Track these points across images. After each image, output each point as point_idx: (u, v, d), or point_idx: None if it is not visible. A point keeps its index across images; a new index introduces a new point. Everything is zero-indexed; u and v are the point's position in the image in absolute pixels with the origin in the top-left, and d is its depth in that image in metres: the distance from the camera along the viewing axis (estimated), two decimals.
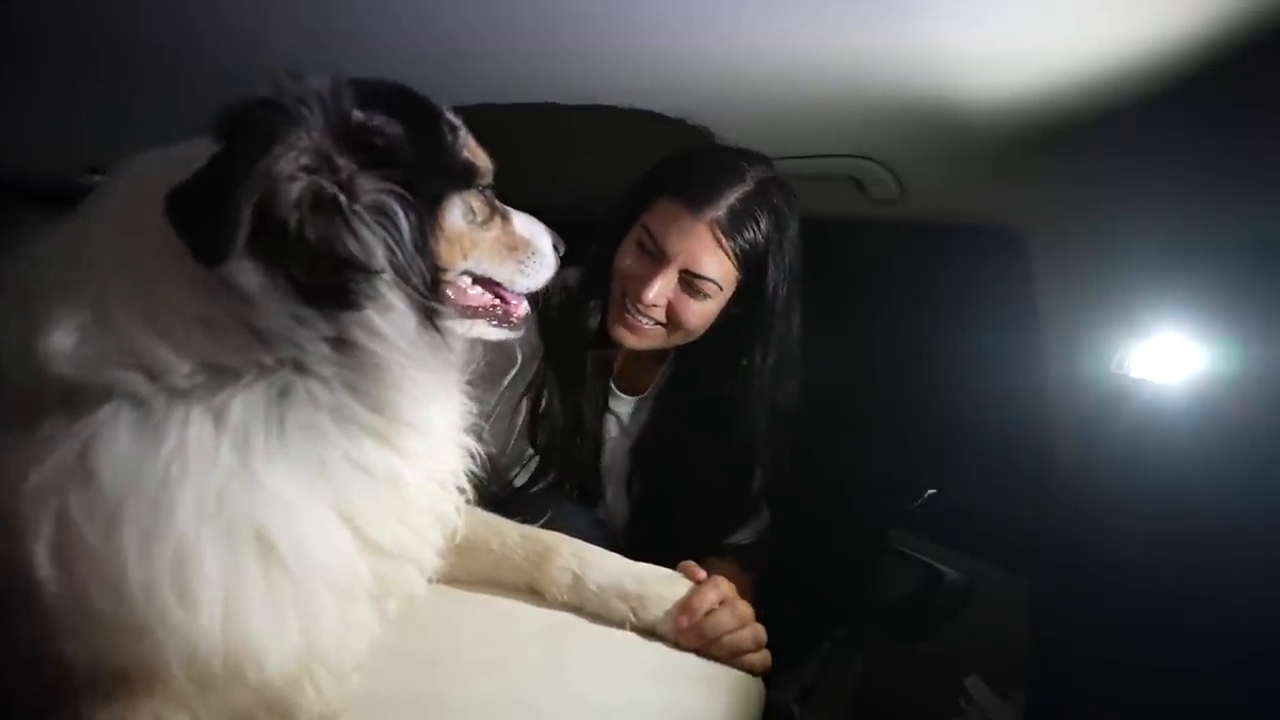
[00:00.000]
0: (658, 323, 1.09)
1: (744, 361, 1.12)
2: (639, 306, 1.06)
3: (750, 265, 1.06)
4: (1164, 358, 1.04)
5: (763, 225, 1.05)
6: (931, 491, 1.39)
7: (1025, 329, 1.20)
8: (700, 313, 1.08)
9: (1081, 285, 1.12)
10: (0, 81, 1.01)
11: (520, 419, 1.18)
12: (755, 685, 0.82)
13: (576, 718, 0.70)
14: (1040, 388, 1.20)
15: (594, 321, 1.13)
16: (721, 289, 1.06)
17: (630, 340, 1.10)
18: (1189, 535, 0.90)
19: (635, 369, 1.24)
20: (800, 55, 0.88)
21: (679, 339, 1.12)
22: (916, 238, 1.43)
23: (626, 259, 1.08)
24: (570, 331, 1.13)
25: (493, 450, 1.16)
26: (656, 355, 1.22)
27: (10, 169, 1.29)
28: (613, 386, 1.22)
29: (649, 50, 0.90)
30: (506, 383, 1.17)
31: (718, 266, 1.04)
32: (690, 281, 1.05)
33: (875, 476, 1.46)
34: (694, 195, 1.03)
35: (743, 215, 1.04)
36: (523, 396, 1.17)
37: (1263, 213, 0.96)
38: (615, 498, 1.23)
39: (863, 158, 1.18)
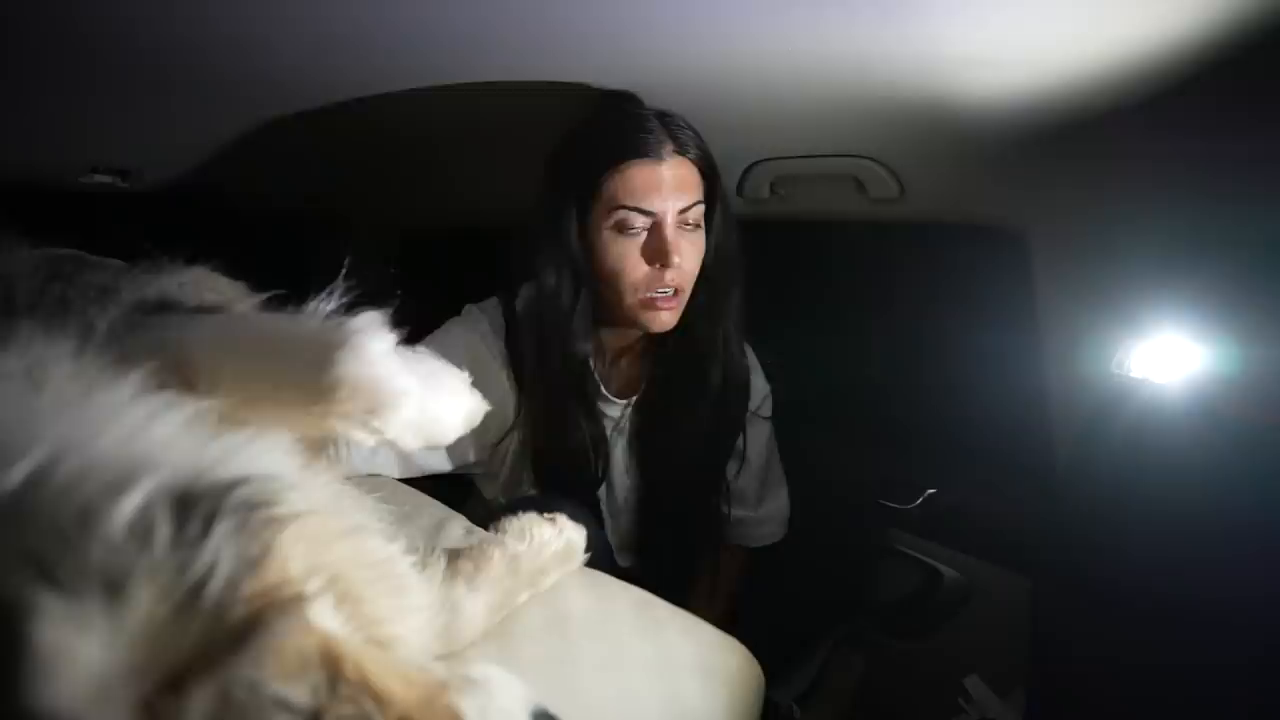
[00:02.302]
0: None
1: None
2: (665, 279, 1.03)
3: (708, 163, 1.06)
4: (1164, 358, 1.04)
5: (692, 128, 1.04)
6: (931, 491, 1.39)
7: (1025, 329, 1.20)
8: (699, 244, 1.07)
9: (1081, 285, 1.13)
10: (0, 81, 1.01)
11: (511, 460, 1.15)
12: (755, 679, 0.82)
13: (574, 713, 0.70)
14: (1040, 387, 1.20)
15: (583, 335, 1.09)
16: (702, 204, 1.05)
17: (666, 320, 1.07)
18: (1189, 535, 0.90)
19: (622, 372, 1.22)
20: (800, 55, 0.87)
21: (688, 285, 1.08)
22: (916, 237, 1.43)
23: (618, 252, 1.03)
24: (565, 349, 1.08)
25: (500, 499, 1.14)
26: (640, 354, 1.21)
27: (9, 169, 1.29)
28: (604, 393, 1.19)
29: (649, 50, 0.90)
30: (509, 439, 1.14)
31: (694, 185, 1.03)
32: (682, 220, 1.03)
33: (875, 476, 1.46)
34: (646, 145, 1.00)
35: (678, 123, 1.03)
36: (508, 436, 1.14)
37: (1263, 213, 0.96)
38: (619, 493, 1.22)
39: (863, 157, 1.18)
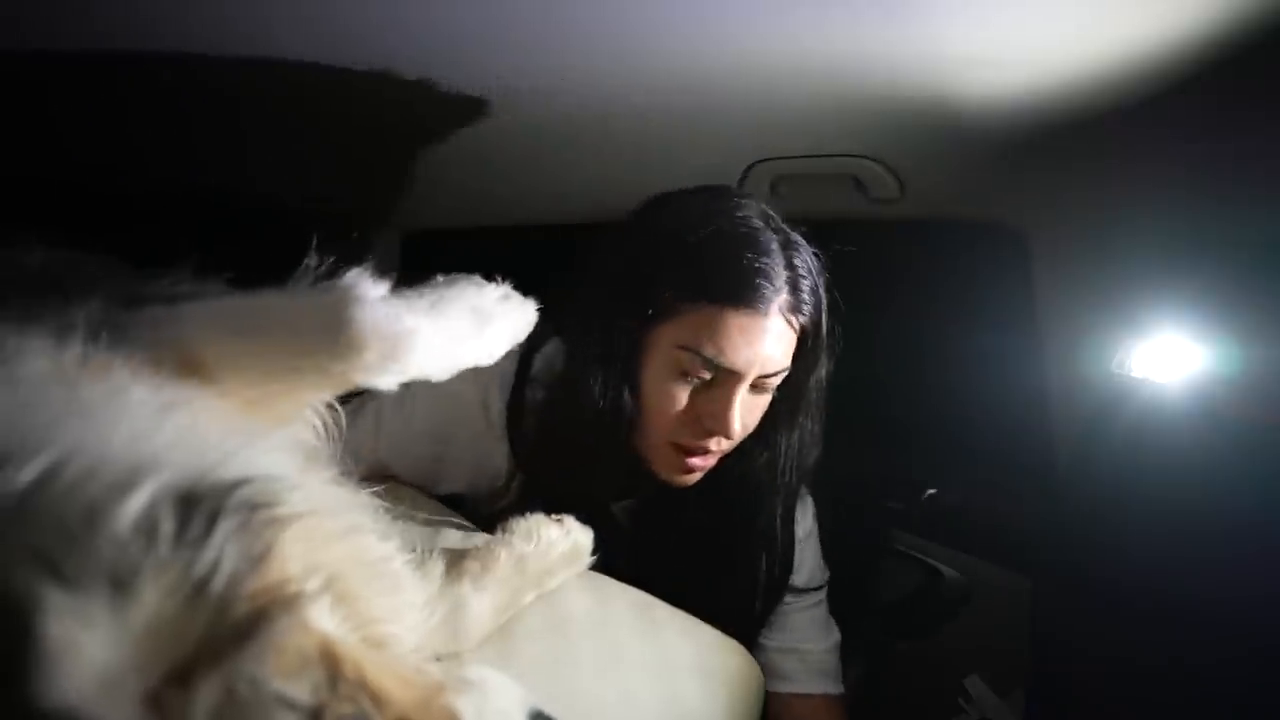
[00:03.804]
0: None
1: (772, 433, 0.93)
2: (708, 444, 0.84)
3: (817, 324, 0.87)
4: (1164, 358, 1.04)
5: (816, 274, 0.86)
6: (931, 491, 1.39)
7: (1025, 329, 1.21)
8: (764, 404, 0.88)
9: (1081, 285, 1.13)
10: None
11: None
12: (755, 679, 0.82)
13: (574, 714, 0.70)
14: (1040, 387, 1.21)
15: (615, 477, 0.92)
16: (787, 370, 0.86)
17: (688, 481, 0.89)
18: (1189, 535, 0.90)
19: None
20: (801, 55, 0.88)
21: (732, 447, 0.89)
22: (917, 237, 1.43)
23: (665, 392, 0.83)
24: (606, 451, 0.89)
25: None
26: None
27: (8, 168, 1.29)
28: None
29: (650, 49, 0.90)
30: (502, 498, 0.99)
31: (787, 349, 0.84)
32: (759, 383, 0.84)
33: (875, 476, 1.46)
34: (757, 295, 0.79)
35: (804, 278, 0.84)
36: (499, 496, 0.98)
37: (1263, 213, 0.96)
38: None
39: (863, 157, 1.18)
